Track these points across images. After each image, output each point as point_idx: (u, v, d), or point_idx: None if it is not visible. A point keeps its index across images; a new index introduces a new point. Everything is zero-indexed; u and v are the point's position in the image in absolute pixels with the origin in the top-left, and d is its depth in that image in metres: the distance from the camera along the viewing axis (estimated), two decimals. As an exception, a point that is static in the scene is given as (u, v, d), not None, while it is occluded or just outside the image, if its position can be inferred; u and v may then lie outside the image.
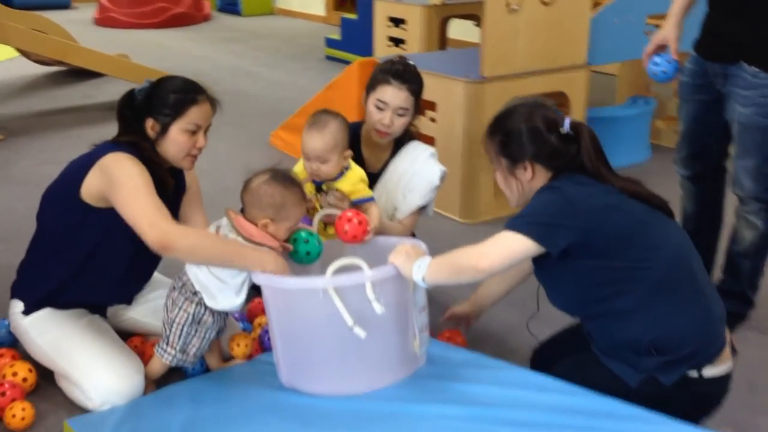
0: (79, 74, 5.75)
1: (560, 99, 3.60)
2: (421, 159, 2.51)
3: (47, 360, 2.09)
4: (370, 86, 2.45)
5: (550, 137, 1.78)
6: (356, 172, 2.33)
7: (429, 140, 3.41)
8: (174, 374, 2.13)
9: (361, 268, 1.83)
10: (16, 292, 2.16)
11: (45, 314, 2.10)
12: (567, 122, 1.81)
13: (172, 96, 2.04)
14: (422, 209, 2.51)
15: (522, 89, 3.33)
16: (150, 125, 2.05)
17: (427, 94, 3.38)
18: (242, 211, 2.00)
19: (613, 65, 4.70)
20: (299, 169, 2.35)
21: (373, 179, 2.45)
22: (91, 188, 2.00)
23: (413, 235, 2.55)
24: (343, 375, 1.92)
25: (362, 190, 2.32)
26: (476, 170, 3.31)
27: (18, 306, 2.12)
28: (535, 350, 2.11)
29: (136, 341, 2.25)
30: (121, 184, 1.93)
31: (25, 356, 2.17)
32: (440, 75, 3.32)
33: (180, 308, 1.98)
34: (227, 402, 1.92)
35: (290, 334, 1.94)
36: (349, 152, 2.29)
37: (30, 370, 2.09)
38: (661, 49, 2.42)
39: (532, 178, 1.80)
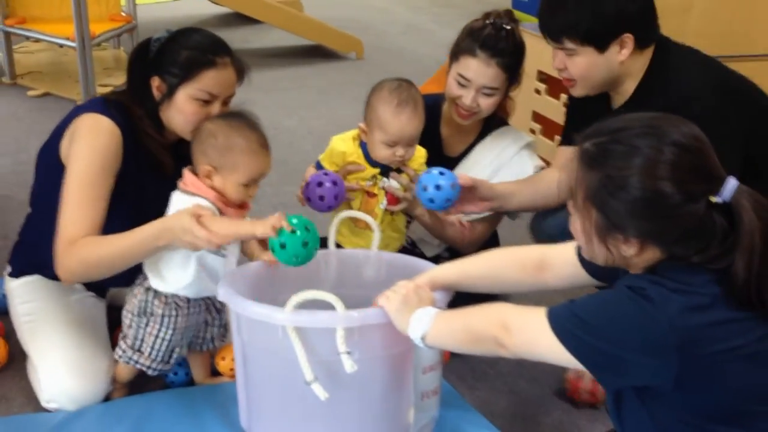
0: (249, 17, 5.46)
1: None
2: (513, 149, 1.99)
3: (19, 332, 1.85)
4: (453, 54, 1.92)
5: (685, 211, 1.08)
6: (420, 149, 1.89)
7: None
8: (155, 381, 1.79)
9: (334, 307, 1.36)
10: (11, 254, 1.95)
11: (34, 281, 1.86)
12: (730, 187, 1.09)
13: (184, 53, 1.66)
14: (505, 213, 2.00)
15: (687, 80, 2.60)
16: (156, 85, 1.69)
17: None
18: None
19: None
20: (343, 148, 1.88)
21: (450, 165, 1.94)
22: (63, 152, 1.70)
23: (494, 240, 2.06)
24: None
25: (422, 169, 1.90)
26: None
27: (9, 268, 1.92)
28: None
29: (127, 331, 1.94)
30: (69, 171, 1.63)
31: (9, 328, 1.94)
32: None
33: (132, 294, 1.66)
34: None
35: (250, 369, 1.50)
36: None
37: (-4, 346, 1.85)
38: None
39: (637, 254, 1.15)
